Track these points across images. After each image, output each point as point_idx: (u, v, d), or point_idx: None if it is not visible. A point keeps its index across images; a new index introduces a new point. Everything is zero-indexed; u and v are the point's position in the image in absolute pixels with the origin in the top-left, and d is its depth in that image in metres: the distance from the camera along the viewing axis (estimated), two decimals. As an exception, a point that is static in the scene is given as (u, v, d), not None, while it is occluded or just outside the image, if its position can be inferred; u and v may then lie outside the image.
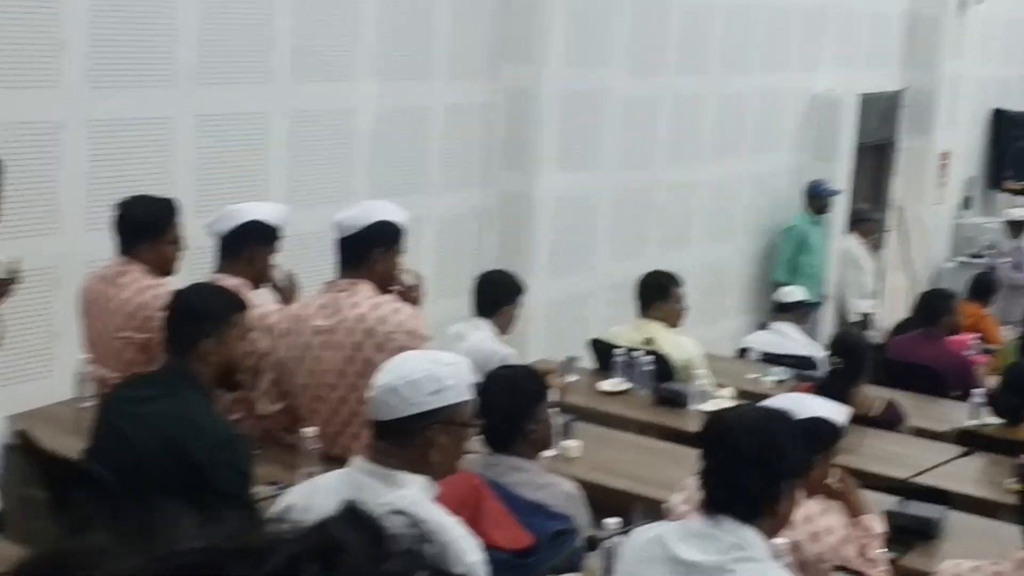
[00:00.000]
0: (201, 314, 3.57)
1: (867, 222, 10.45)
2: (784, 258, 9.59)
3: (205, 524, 0.88)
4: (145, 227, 4.58)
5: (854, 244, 10.34)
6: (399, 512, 0.93)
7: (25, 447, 3.76)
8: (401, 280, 4.47)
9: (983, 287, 9.00)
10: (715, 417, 3.29)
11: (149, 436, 3.35)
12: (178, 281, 4.75)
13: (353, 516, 0.90)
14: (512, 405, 3.92)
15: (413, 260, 6.05)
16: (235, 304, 3.67)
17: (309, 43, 6.33)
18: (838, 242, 10.25)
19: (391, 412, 3.01)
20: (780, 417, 3.13)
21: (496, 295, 5.71)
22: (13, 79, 5.21)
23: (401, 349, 4.06)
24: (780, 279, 8.97)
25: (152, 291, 4.51)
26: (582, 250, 7.96)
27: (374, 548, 0.87)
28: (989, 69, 12.74)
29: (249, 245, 4.48)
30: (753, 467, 2.91)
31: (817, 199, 9.73)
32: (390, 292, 4.34)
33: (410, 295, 4.48)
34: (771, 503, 2.93)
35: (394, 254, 4.31)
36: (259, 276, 4.54)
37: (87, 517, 0.91)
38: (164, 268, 4.62)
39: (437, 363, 3.13)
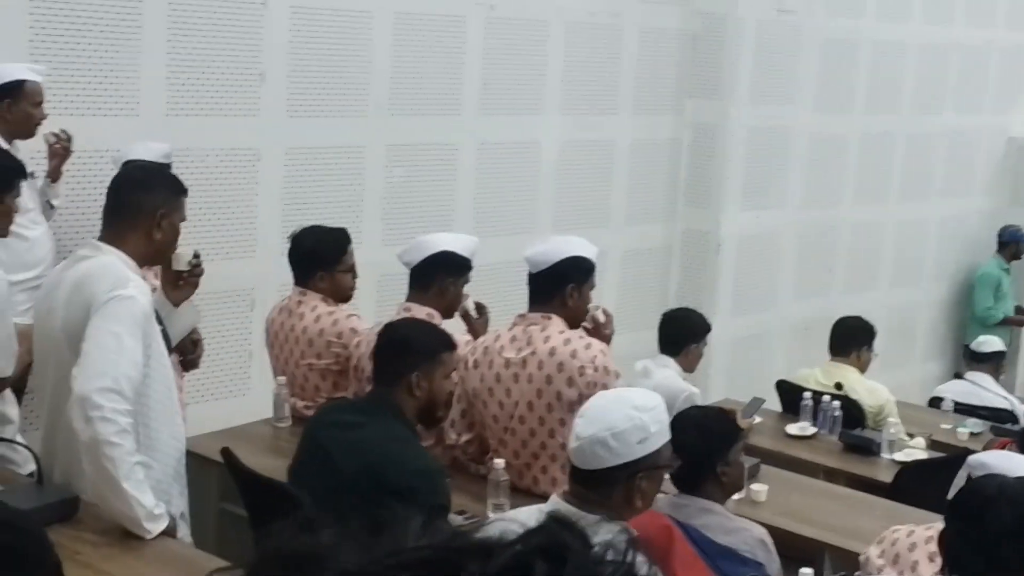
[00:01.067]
0: (412, 349, 3.61)
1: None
2: (983, 306, 9.27)
3: (426, 528, 0.90)
4: (319, 257, 4.68)
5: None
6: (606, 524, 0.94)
7: (228, 464, 3.84)
8: (593, 315, 4.45)
9: None
10: (972, 483, 3.16)
11: (353, 460, 3.39)
12: (359, 308, 4.83)
13: (565, 523, 0.91)
14: (704, 446, 3.84)
15: (595, 295, 6.05)
16: (445, 342, 3.71)
17: (498, 76, 6.39)
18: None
19: (596, 463, 2.99)
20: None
21: (683, 333, 5.64)
22: (218, 108, 5.37)
23: (591, 385, 4.04)
24: (977, 327, 8.69)
25: (330, 318, 4.62)
26: (765, 289, 7.83)
27: (593, 551, 0.89)
28: None
29: (440, 275, 4.52)
30: (1016, 541, 2.81)
31: (1011, 245, 9.40)
32: (581, 327, 4.32)
33: (601, 331, 4.45)
34: None
35: (586, 290, 4.29)
36: (450, 306, 4.57)
37: (311, 520, 0.92)
38: (340, 296, 4.73)
39: (640, 410, 3.09)
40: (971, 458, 3.52)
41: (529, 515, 3.13)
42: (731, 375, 7.36)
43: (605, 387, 3.94)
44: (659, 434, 3.02)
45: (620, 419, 2.99)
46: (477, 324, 4.68)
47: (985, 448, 5.07)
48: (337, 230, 4.76)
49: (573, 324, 4.29)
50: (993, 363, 6.74)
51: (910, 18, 8.81)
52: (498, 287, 5.81)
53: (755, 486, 4.70)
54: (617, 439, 2.95)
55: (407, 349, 3.63)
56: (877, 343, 6.22)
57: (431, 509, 3.24)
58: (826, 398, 5.76)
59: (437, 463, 3.71)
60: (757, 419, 5.74)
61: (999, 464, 3.23)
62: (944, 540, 2.92)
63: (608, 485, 2.97)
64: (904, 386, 8.04)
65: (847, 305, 7.42)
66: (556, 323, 4.20)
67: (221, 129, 5.40)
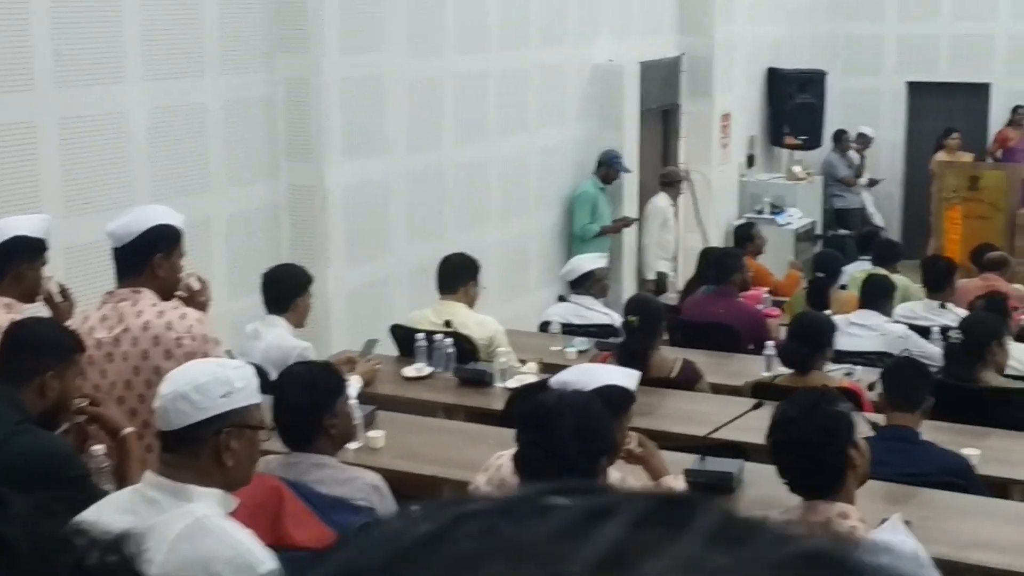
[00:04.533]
0: (46, 348, 3.60)
1: (676, 183, 10.70)
2: (580, 223, 9.73)
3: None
4: None
5: (665, 203, 10.56)
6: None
7: None
8: (186, 284, 4.35)
9: (741, 238, 9.43)
10: (531, 398, 3.34)
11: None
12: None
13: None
14: (309, 402, 3.86)
15: (203, 262, 5.92)
16: (77, 342, 3.71)
17: (72, 47, 6.10)
18: (633, 207, 10.46)
19: (180, 420, 2.95)
20: (593, 397, 3.22)
21: (285, 290, 5.62)
22: None
23: (191, 355, 3.96)
24: (578, 246, 9.11)
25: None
26: (378, 237, 7.90)
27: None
28: (760, 30, 13.11)
29: (14, 261, 4.31)
30: (578, 442, 2.99)
31: (607, 167, 9.89)
32: (174, 297, 4.22)
33: (196, 299, 4.36)
34: (591, 479, 2.98)
35: (175, 258, 4.18)
36: (29, 293, 4.37)
37: None
38: None
39: (224, 367, 3.10)
40: (553, 377, 3.70)
41: (119, 499, 3.05)
42: (352, 326, 7.40)
43: (205, 356, 3.88)
44: (245, 391, 3.00)
45: (202, 373, 2.98)
46: (62, 308, 4.49)
47: (591, 362, 5.33)
48: None
49: (166, 295, 4.18)
50: (587, 283, 7.07)
51: (489, -42, 9.03)
52: (97, 267, 5.58)
53: (372, 433, 4.76)
54: (199, 391, 2.92)
55: (40, 349, 3.58)
56: (495, 276, 6.40)
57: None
58: (438, 336, 5.89)
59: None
60: (375, 361, 5.80)
61: (575, 379, 3.41)
62: (518, 454, 3.07)
63: (195, 444, 2.93)
64: (525, 314, 8.34)
65: (461, 243, 7.58)
66: (147, 296, 4.09)
67: None
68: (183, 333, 4.01)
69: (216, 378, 2.96)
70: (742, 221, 10.99)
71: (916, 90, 14.79)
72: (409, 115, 8.25)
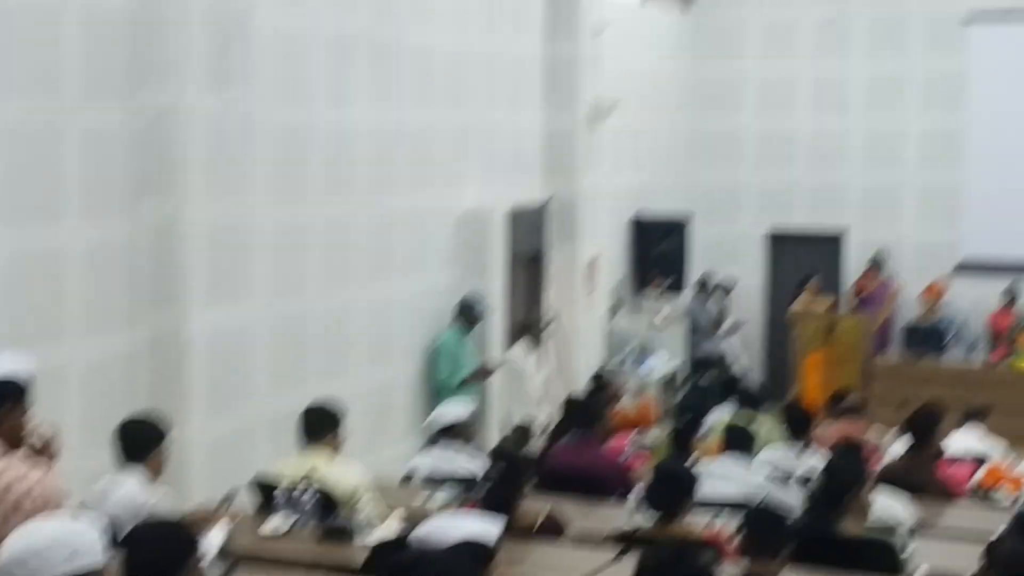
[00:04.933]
0: None
1: (532, 330, 10.76)
2: (442, 376, 9.70)
3: None
4: None
5: (520, 353, 10.59)
6: None
7: None
8: (34, 436, 4.22)
9: (600, 385, 9.55)
10: (391, 555, 3.31)
11: None
12: None
13: None
14: (159, 563, 3.71)
15: (56, 412, 5.73)
16: None
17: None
18: (502, 353, 10.48)
19: None
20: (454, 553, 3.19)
21: (141, 440, 5.47)
22: None
23: (36, 511, 3.82)
24: (442, 398, 9.04)
25: None
26: (240, 385, 7.73)
27: None
28: (625, 177, 13.42)
29: None
30: None
31: (468, 313, 9.92)
32: (24, 447, 4.09)
33: (46, 451, 4.23)
34: None
35: (20, 411, 4.06)
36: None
37: None
38: None
39: (67, 528, 2.99)
40: (414, 532, 3.64)
41: None
42: (212, 477, 7.19)
43: (49, 513, 3.74)
44: (90, 553, 2.91)
45: (43, 536, 2.88)
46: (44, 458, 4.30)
47: (456, 513, 5.25)
48: None
49: (14, 445, 4.05)
50: (452, 433, 7.02)
51: (357, 103, 9.12)
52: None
53: (228, 591, 4.61)
54: (39, 557, 2.82)
55: None
56: (359, 425, 6.32)
57: None
58: (300, 488, 5.76)
59: None
60: (233, 516, 5.64)
61: (436, 533, 3.37)
62: None
63: None
64: (388, 465, 8.22)
65: (325, 391, 7.49)
66: (-10, 453, 3.94)
67: None
68: (22, 495, 3.87)
69: (58, 541, 2.88)
70: (607, 368, 11.09)
71: (776, 236, 15.22)
72: (274, 260, 8.20)
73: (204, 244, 7.31)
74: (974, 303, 13.87)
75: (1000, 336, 13.03)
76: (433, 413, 7.29)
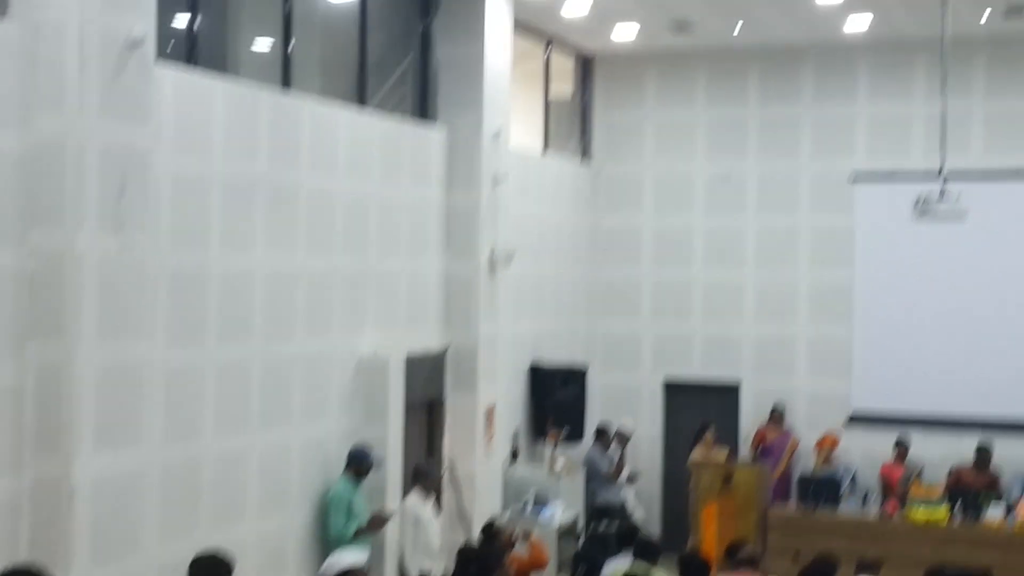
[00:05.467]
0: None
1: (427, 478, 10.62)
2: (336, 528, 9.52)
3: None
4: None
5: (416, 502, 10.43)
6: None
7: None
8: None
9: (491, 534, 9.46)
10: None
11: None
12: None
13: None
14: None
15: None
16: None
17: None
18: (399, 501, 10.32)
19: None
20: None
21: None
22: None
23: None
24: (337, 548, 8.83)
25: None
26: (128, 533, 7.48)
27: None
28: (523, 325, 13.48)
29: None
30: None
31: (358, 463, 9.78)
32: None
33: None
34: None
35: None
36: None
37: None
38: None
39: None
40: None
41: None
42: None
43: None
44: None
45: None
46: None
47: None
48: None
49: None
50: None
51: (255, 248, 9.07)
52: None
53: None
54: None
55: None
56: (250, 574, 6.13)
57: None
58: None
59: None
60: None
61: None
62: None
63: None
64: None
65: (216, 540, 7.28)
66: None
67: None
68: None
69: None
70: (503, 516, 10.96)
71: (672, 386, 15.33)
72: (167, 404, 8.04)
73: (93, 387, 7.12)
74: (866, 454, 14.07)
75: (892, 487, 13.18)
76: (327, 561, 7.11)
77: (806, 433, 14.40)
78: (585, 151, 15.57)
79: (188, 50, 8.68)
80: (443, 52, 11.95)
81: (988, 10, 12.77)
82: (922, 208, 11.10)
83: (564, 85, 15.24)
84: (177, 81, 8.19)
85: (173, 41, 8.60)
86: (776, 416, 14.42)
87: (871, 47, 14.47)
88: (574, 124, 15.52)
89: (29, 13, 6.88)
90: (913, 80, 14.39)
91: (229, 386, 8.79)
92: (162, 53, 7.99)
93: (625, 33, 14.11)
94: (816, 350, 14.83)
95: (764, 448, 14.21)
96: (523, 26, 13.21)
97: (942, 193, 11.08)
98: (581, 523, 13.14)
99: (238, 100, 8.88)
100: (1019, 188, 14.00)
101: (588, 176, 15.49)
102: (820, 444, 14.00)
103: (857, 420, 14.46)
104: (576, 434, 13.77)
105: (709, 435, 13.83)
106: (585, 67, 15.53)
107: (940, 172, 11.27)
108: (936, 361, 14.20)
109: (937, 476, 13.41)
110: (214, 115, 8.62)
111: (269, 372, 9.25)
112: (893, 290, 14.38)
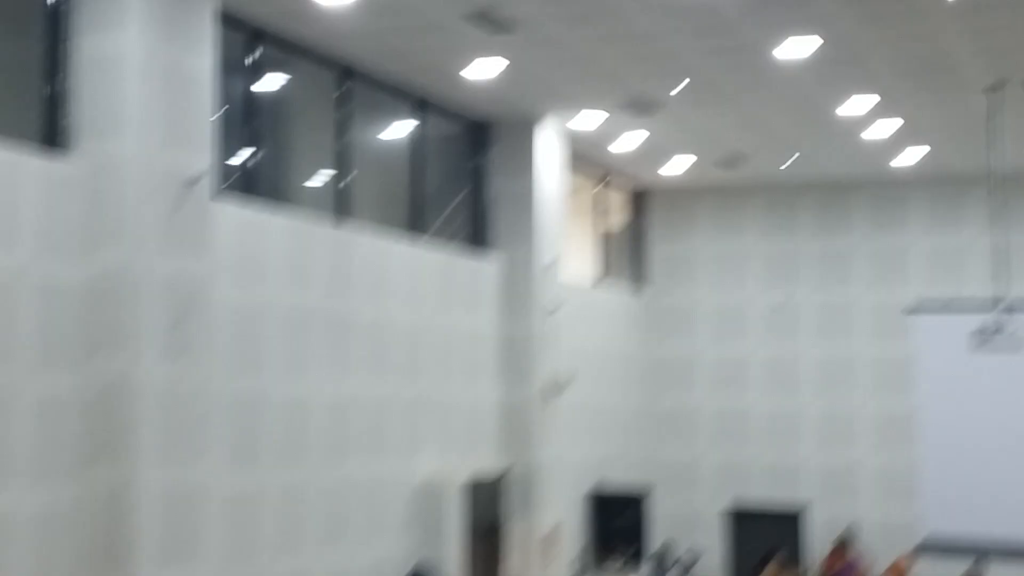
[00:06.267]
0: None
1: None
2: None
3: None
4: None
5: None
6: None
7: None
8: None
9: None
10: None
11: None
12: None
13: None
14: None
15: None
16: None
17: None
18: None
19: None
20: None
21: None
22: None
23: None
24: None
25: None
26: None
27: None
28: (582, 451, 13.56)
29: None
30: None
31: (420, 581, 9.87)
32: None
33: None
34: None
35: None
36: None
37: None
38: None
39: None
40: None
41: None
42: None
43: None
44: None
45: None
46: None
47: None
48: None
49: None
50: None
51: (312, 374, 9.32)
52: None
53: None
54: None
55: None
56: None
57: None
58: None
59: None
60: None
61: None
62: None
63: None
64: None
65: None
66: None
67: None
68: None
69: None
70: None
71: (736, 513, 15.27)
72: (226, 527, 8.20)
73: (155, 510, 7.26)
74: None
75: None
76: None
77: (875, 559, 14.22)
78: (639, 280, 15.80)
79: (247, 183, 9.06)
80: (497, 185, 12.31)
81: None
82: (980, 339, 11.22)
83: (619, 216, 15.55)
84: (235, 215, 8.56)
85: (235, 175, 8.97)
86: (844, 543, 14.26)
87: (922, 180, 14.68)
88: (629, 254, 15.78)
89: (93, 150, 7.30)
90: (965, 211, 14.56)
91: (287, 509, 8.96)
92: (223, 186, 8.37)
93: (677, 166, 14.40)
94: (880, 477, 14.76)
95: (833, 575, 14.04)
96: (578, 159, 13.56)
97: (999, 324, 11.19)
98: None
99: (294, 233, 9.23)
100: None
101: (643, 305, 15.69)
102: (891, 571, 13.81)
103: (927, 548, 14.28)
104: (638, 557, 13.73)
105: (779, 558, 13.69)
106: (639, 199, 15.86)
107: (997, 303, 11.37)
108: (1007, 487, 14.07)
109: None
110: (271, 247, 8.97)
111: (327, 495, 9.40)
112: (957, 416, 14.33)
